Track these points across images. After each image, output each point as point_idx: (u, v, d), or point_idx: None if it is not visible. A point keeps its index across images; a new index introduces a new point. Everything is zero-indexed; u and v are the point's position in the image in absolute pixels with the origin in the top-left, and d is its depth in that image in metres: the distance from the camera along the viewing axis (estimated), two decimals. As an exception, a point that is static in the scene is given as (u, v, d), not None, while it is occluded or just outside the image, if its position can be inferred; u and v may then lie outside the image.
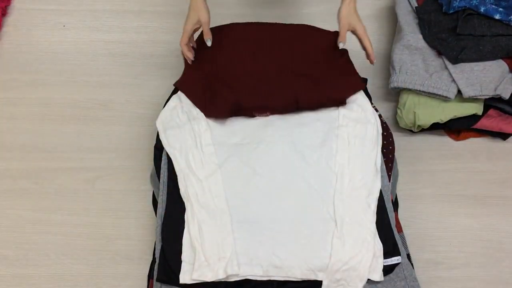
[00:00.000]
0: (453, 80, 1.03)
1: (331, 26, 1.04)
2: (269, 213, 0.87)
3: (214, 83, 0.99)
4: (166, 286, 0.86)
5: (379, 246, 0.86)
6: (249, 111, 0.96)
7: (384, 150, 0.99)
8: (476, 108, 1.05)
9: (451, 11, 1.07)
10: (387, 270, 0.86)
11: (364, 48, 0.99)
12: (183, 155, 0.92)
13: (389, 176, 0.97)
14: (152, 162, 1.00)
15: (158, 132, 0.98)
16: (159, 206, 0.92)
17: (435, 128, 1.09)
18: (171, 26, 1.28)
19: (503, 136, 1.11)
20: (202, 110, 0.95)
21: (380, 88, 1.19)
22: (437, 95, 1.04)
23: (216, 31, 1.01)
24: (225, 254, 0.83)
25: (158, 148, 0.98)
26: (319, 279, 0.83)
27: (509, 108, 1.06)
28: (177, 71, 1.02)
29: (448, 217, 1.05)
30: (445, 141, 1.13)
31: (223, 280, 0.83)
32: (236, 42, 1.02)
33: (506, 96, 1.02)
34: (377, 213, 0.89)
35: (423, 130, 1.11)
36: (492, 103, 1.06)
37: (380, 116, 1.01)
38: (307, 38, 1.02)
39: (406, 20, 1.12)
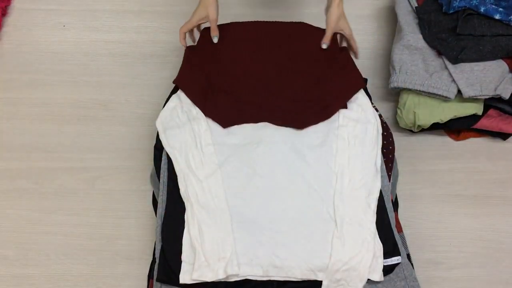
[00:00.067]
0: (453, 80, 1.03)
1: (331, 26, 1.04)
2: (269, 213, 0.87)
3: (214, 83, 0.99)
4: (166, 286, 0.86)
5: (379, 246, 0.86)
6: (248, 116, 0.96)
7: (384, 150, 0.99)
8: (476, 108, 1.05)
9: (451, 11, 1.07)
10: (387, 270, 0.86)
11: (349, 47, 1.02)
12: (183, 155, 0.92)
13: (389, 176, 0.97)
14: (152, 162, 1.00)
15: (158, 132, 0.98)
16: (159, 206, 0.92)
17: (435, 128, 1.09)
18: (171, 26, 1.28)
19: (503, 136, 1.11)
20: (201, 109, 0.96)
21: (380, 88, 1.19)
22: (437, 95, 1.04)
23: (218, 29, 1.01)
24: (225, 254, 0.83)
25: (158, 148, 0.98)
26: (319, 279, 0.83)
27: (509, 108, 1.06)
28: (177, 71, 1.02)
29: (448, 217, 1.05)
30: (445, 141, 1.13)
31: (223, 280, 0.83)
32: (236, 41, 1.02)
33: (506, 96, 1.02)
34: (377, 213, 0.89)
35: (423, 130, 1.11)
36: (492, 103, 1.06)
37: (380, 116, 1.01)
38: (306, 36, 1.02)
39: (406, 20, 1.12)
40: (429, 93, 1.04)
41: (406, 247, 0.94)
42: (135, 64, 1.23)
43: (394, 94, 1.17)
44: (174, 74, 1.02)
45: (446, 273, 1.00)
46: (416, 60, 1.07)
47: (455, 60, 1.04)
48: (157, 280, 0.86)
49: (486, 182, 1.08)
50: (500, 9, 1.04)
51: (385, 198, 0.92)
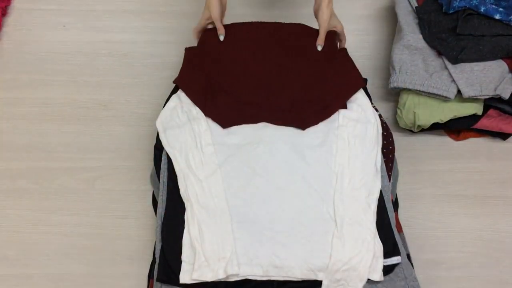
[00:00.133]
0: (453, 80, 1.03)
1: (331, 26, 1.04)
2: (269, 213, 0.87)
3: (214, 83, 0.99)
4: (166, 286, 0.86)
5: (379, 246, 0.86)
6: (248, 116, 0.96)
7: (384, 150, 0.99)
8: (476, 108, 1.05)
9: (451, 11, 1.07)
10: (387, 270, 0.86)
11: (339, 41, 1.05)
12: (183, 155, 0.92)
13: (389, 176, 0.97)
14: (152, 162, 1.00)
15: (158, 132, 0.98)
16: (159, 206, 0.92)
17: (435, 128, 1.09)
18: (171, 26, 1.28)
19: (503, 136, 1.11)
20: (201, 109, 0.96)
21: (380, 88, 1.19)
22: (437, 95, 1.04)
23: (217, 31, 1.01)
24: (225, 254, 0.83)
25: (158, 148, 0.98)
26: (319, 279, 0.83)
27: (509, 108, 1.06)
28: (177, 71, 1.02)
29: (448, 217, 1.05)
30: (445, 141, 1.13)
31: (223, 280, 0.83)
32: (236, 41, 1.02)
33: (506, 96, 1.02)
34: (377, 213, 0.89)
35: (423, 130, 1.11)
36: (492, 103, 1.06)
37: (380, 116, 1.01)
38: (306, 37, 1.02)
39: (406, 20, 1.12)
40: (429, 93, 1.04)
41: (406, 247, 0.94)
42: (135, 64, 1.23)
43: (394, 94, 1.17)
44: (174, 74, 1.02)
45: (446, 273, 1.00)
46: (416, 60, 1.07)
47: (455, 60, 1.04)
48: (157, 280, 0.86)
49: (486, 182, 1.08)
50: (500, 9, 1.04)
51: (385, 198, 0.92)
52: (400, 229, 0.96)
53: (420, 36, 1.08)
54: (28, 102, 1.17)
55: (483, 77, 1.03)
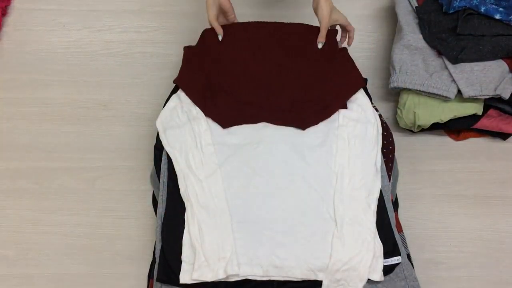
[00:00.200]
0: (453, 80, 1.03)
1: (331, 26, 1.04)
2: (269, 213, 0.87)
3: (214, 83, 0.99)
4: (166, 286, 0.86)
5: (379, 246, 0.86)
6: (248, 116, 0.96)
7: (384, 150, 0.99)
8: (476, 108, 1.05)
9: (451, 11, 1.07)
10: (387, 270, 0.86)
11: (347, 34, 1.03)
12: (183, 155, 0.92)
13: (389, 176, 0.97)
14: (152, 162, 1.00)
15: (158, 132, 0.98)
16: (159, 206, 0.92)
17: (435, 128, 1.09)
18: (171, 26, 1.28)
19: (503, 136, 1.11)
20: (201, 109, 0.96)
21: (380, 88, 1.19)
22: (437, 95, 1.04)
23: (216, 32, 1.01)
24: (225, 254, 0.83)
25: (158, 148, 0.98)
26: (319, 279, 0.83)
27: (509, 108, 1.06)
28: (177, 71, 1.02)
29: (448, 217, 1.05)
30: (445, 141, 1.13)
31: (223, 280, 0.83)
32: (236, 41, 1.02)
33: (506, 96, 1.02)
34: (377, 213, 0.89)
35: (423, 130, 1.11)
36: (492, 103, 1.06)
37: (380, 116, 1.01)
38: (306, 36, 1.02)
39: (406, 20, 1.12)
40: (429, 93, 1.04)
41: (406, 247, 0.94)
42: (135, 64, 1.23)
43: (394, 94, 1.17)
44: (174, 74, 1.02)
45: (446, 273, 1.00)
46: (416, 60, 1.07)
47: (455, 60, 1.04)
48: (157, 280, 0.86)
49: (486, 182, 1.08)
50: (500, 9, 1.04)
51: (385, 198, 0.92)
52: (400, 229, 0.96)
53: (420, 36, 1.08)
54: (28, 102, 1.17)
55: (483, 77, 1.03)
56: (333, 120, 0.95)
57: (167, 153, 0.95)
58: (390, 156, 1.00)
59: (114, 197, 1.06)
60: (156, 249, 0.89)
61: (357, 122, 0.95)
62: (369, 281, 0.84)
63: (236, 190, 0.89)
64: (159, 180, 0.95)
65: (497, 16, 1.04)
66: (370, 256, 0.84)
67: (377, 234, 0.87)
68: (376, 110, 1.00)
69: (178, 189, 0.90)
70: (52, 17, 1.29)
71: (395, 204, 1.00)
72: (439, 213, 1.05)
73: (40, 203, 1.06)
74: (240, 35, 1.02)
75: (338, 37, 1.05)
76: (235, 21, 1.04)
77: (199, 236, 0.85)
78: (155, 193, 1.00)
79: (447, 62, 1.04)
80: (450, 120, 1.06)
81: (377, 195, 0.90)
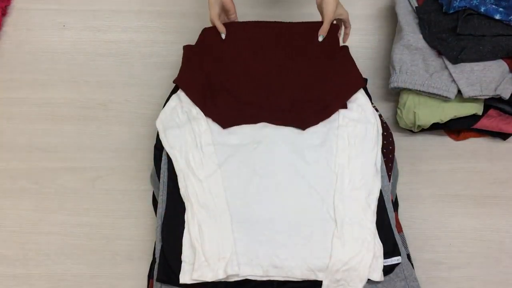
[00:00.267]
0: (453, 80, 1.03)
1: (331, 26, 1.04)
2: (269, 213, 0.87)
3: (214, 82, 0.99)
4: (166, 286, 0.86)
5: (379, 246, 0.86)
6: (248, 116, 0.96)
7: (384, 150, 0.99)
8: (476, 108, 1.05)
9: (451, 11, 1.07)
10: (387, 270, 0.86)
11: (343, 28, 1.04)
12: (183, 155, 0.92)
13: (389, 176, 0.97)
14: (152, 162, 1.00)
15: (158, 132, 0.98)
16: (159, 206, 0.92)
17: (435, 128, 1.09)
18: (171, 26, 1.28)
19: (503, 136, 1.11)
20: (201, 109, 0.96)
21: (380, 88, 1.19)
22: (437, 95, 1.04)
23: (217, 31, 1.01)
24: (225, 254, 0.83)
25: (158, 148, 0.98)
26: (319, 279, 0.83)
27: (509, 108, 1.06)
28: (177, 71, 1.02)
29: (448, 217, 1.05)
30: (445, 141, 1.13)
31: (223, 280, 0.83)
32: (236, 40, 1.02)
33: (506, 96, 1.02)
34: (377, 213, 0.89)
35: (423, 130, 1.11)
36: (492, 103, 1.06)
37: (380, 116, 1.01)
38: (307, 35, 1.02)
39: (406, 20, 1.12)
40: (429, 93, 1.04)
41: (406, 247, 0.94)
42: (135, 64, 1.23)
43: (394, 94, 1.17)
44: (174, 74, 1.02)
45: (446, 273, 1.00)
46: (416, 60, 1.07)
47: (455, 60, 1.04)
48: (157, 280, 0.86)
49: (486, 182, 1.08)
50: (500, 9, 1.04)
51: (385, 198, 0.92)
52: (400, 229, 0.96)
53: (420, 36, 1.08)
54: (28, 102, 1.17)
55: (483, 77, 1.03)
56: (333, 120, 0.95)
57: (167, 153, 0.95)
58: (390, 156, 1.00)
59: (114, 197, 1.06)
60: (156, 249, 0.89)
61: (357, 122, 0.95)
62: (369, 281, 0.84)
63: (236, 190, 0.89)
64: (159, 180, 0.95)
65: (497, 16, 1.04)
66: (370, 256, 0.84)
67: (377, 234, 0.87)
68: (376, 110, 1.00)
69: (178, 189, 0.90)
70: (52, 17, 1.29)
71: (395, 204, 1.00)
72: (439, 213, 1.05)
73: (40, 203, 1.06)
74: (241, 34, 1.02)
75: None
76: (236, 20, 1.04)
77: (199, 236, 0.85)
78: (155, 193, 1.00)
79: (447, 62, 1.04)
80: (450, 120, 1.06)
81: (377, 195, 0.90)
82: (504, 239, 1.03)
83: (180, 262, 0.85)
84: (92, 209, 1.05)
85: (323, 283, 0.83)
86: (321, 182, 0.89)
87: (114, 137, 1.13)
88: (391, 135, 1.02)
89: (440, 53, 1.06)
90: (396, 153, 1.02)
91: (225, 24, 1.02)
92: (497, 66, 1.04)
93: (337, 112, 0.96)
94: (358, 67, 1.01)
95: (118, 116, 1.16)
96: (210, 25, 1.02)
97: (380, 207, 0.90)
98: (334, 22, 1.03)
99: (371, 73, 1.19)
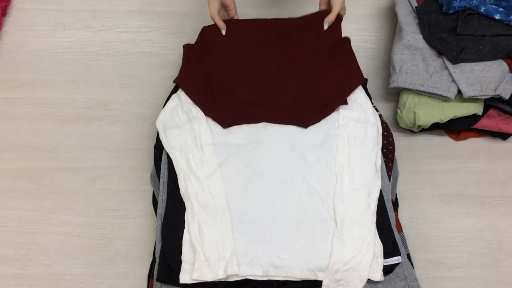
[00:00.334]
0: (453, 80, 1.03)
1: (331, 26, 1.04)
2: (269, 213, 0.87)
3: (214, 81, 0.99)
4: (166, 286, 0.86)
5: (379, 246, 0.86)
6: (249, 116, 0.95)
7: (384, 150, 0.99)
8: (476, 108, 1.05)
9: (451, 11, 1.07)
10: (387, 270, 0.86)
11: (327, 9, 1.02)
12: (183, 155, 0.92)
13: (389, 176, 0.97)
14: (152, 162, 1.00)
15: (158, 132, 0.98)
16: (159, 206, 0.92)
17: (435, 128, 1.09)
18: (171, 26, 1.28)
19: (503, 136, 1.11)
20: (201, 108, 0.95)
21: (380, 88, 1.19)
22: (437, 95, 1.04)
23: (216, 28, 1.01)
24: (225, 254, 0.83)
25: (158, 148, 0.98)
26: (319, 279, 0.83)
27: (509, 108, 1.06)
28: (177, 71, 1.02)
29: (448, 217, 1.05)
30: (445, 141, 1.13)
31: (223, 280, 0.83)
32: (236, 38, 1.02)
33: (506, 96, 1.02)
34: (377, 213, 0.89)
35: (423, 130, 1.11)
36: (492, 103, 1.06)
37: (380, 116, 1.01)
38: (307, 28, 1.01)
39: (406, 20, 1.12)
40: (429, 93, 1.04)
41: (406, 247, 0.94)
42: (135, 64, 1.23)
43: (394, 94, 1.17)
44: (174, 74, 1.02)
45: (446, 273, 1.00)
46: (416, 60, 1.07)
47: (455, 60, 1.04)
48: (157, 280, 0.86)
49: (486, 182, 1.08)
50: (500, 9, 1.04)
51: (385, 198, 0.92)
52: (400, 229, 0.96)
53: (420, 36, 1.08)
54: (28, 102, 1.17)
55: (483, 77, 1.03)
56: (333, 120, 0.95)
57: (167, 153, 0.95)
58: (390, 156, 1.00)
59: (114, 197, 1.06)
60: (156, 249, 0.89)
61: (357, 122, 0.95)
62: (369, 281, 0.84)
63: (236, 190, 0.89)
64: (159, 180, 0.95)
65: (497, 16, 1.04)
66: (370, 256, 0.84)
67: (377, 234, 0.87)
68: (376, 110, 1.00)
69: (178, 189, 0.90)
70: (52, 17, 1.29)
71: (395, 204, 1.00)
72: (439, 213, 1.05)
73: (40, 203, 1.06)
74: (241, 31, 1.02)
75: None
76: (236, 17, 1.04)
77: (199, 236, 0.85)
78: (155, 193, 1.00)
79: (447, 62, 1.04)
80: (450, 120, 1.06)
81: (377, 195, 0.90)
82: (504, 239, 1.03)
83: (180, 262, 0.85)
84: (92, 209, 1.05)
85: (323, 283, 0.83)
86: (321, 182, 0.89)
87: (114, 137, 1.13)
88: (391, 135, 1.02)
89: (440, 53, 1.06)
90: (396, 153, 1.02)
91: (225, 21, 1.02)
92: (497, 66, 1.04)
93: (337, 112, 0.96)
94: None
95: (118, 116, 1.16)
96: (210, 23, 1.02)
97: (380, 207, 0.90)
98: None
99: (371, 73, 1.19)
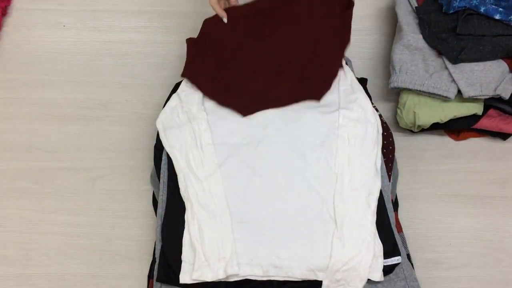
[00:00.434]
0: (453, 80, 1.03)
1: (331, 26, 1.04)
2: (269, 213, 0.87)
3: (224, 71, 0.98)
4: (166, 286, 0.86)
5: (379, 246, 0.86)
6: (265, 100, 0.96)
7: (384, 150, 0.99)
8: (476, 108, 1.05)
9: (451, 11, 1.06)
10: (387, 270, 0.86)
11: None
12: (183, 155, 0.92)
13: (389, 176, 0.97)
14: (152, 162, 1.00)
15: (158, 132, 0.98)
16: (159, 206, 0.92)
17: (435, 128, 1.09)
18: (171, 26, 1.27)
19: (503, 136, 1.11)
20: (216, 100, 0.95)
21: (380, 88, 1.19)
22: (437, 95, 1.04)
23: (218, 18, 1.00)
24: (225, 254, 0.83)
25: (158, 148, 0.98)
26: (319, 279, 0.83)
27: (509, 108, 1.06)
28: (177, 71, 1.02)
29: (448, 217, 1.05)
30: (445, 141, 1.13)
31: (223, 280, 0.83)
32: (238, 25, 1.00)
33: (506, 96, 1.02)
34: (377, 213, 0.89)
35: (423, 130, 1.11)
36: (492, 103, 1.06)
37: (380, 116, 1.01)
38: (308, 7, 1.01)
39: (406, 20, 1.12)
40: (429, 93, 1.04)
41: (406, 247, 0.94)
42: (135, 64, 1.23)
43: (394, 94, 1.17)
44: (174, 74, 1.02)
45: (446, 273, 1.00)
46: (416, 60, 1.07)
47: (455, 60, 1.04)
48: (157, 280, 0.86)
49: (486, 182, 1.08)
50: (500, 9, 1.04)
51: (385, 198, 0.92)
52: (400, 229, 0.96)
53: (420, 36, 1.08)
54: (28, 102, 1.17)
55: (483, 77, 1.03)
56: (333, 120, 0.95)
57: (167, 153, 0.95)
58: (390, 156, 1.00)
59: (114, 197, 1.06)
60: (156, 249, 0.89)
61: (357, 122, 0.95)
62: (369, 281, 0.84)
63: (236, 190, 0.89)
64: (159, 180, 0.95)
65: (497, 16, 1.04)
66: (370, 256, 0.84)
67: (377, 234, 0.87)
68: (376, 110, 1.00)
69: (178, 189, 0.90)
70: (52, 17, 1.29)
71: (395, 204, 1.00)
72: (439, 213, 1.05)
73: (40, 203, 1.06)
74: (242, 17, 1.00)
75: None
76: (237, 4, 1.03)
77: (199, 236, 0.85)
78: (155, 193, 1.00)
79: (447, 62, 1.04)
80: (450, 120, 1.06)
81: (377, 195, 0.90)
82: (503, 239, 1.03)
83: (180, 262, 0.85)
84: (92, 209, 1.05)
85: (323, 283, 0.83)
86: (321, 182, 0.89)
87: (114, 137, 1.13)
88: (391, 135, 1.02)
89: (440, 53, 1.06)
90: (396, 153, 1.02)
91: (225, 9, 1.01)
92: (497, 66, 1.04)
93: (337, 112, 0.96)
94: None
95: (118, 116, 1.16)
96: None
97: (380, 207, 0.90)
98: None
99: (371, 73, 1.19)
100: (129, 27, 1.28)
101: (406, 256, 0.90)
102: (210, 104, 0.97)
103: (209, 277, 0.82)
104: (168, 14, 1.29)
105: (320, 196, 0.88)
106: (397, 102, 1.13)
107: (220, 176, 0.90)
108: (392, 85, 1.07)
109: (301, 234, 0.85)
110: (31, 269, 1.00)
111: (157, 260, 0.87)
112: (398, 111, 1.09)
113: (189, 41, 1.03)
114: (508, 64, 1.05)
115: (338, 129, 0.94)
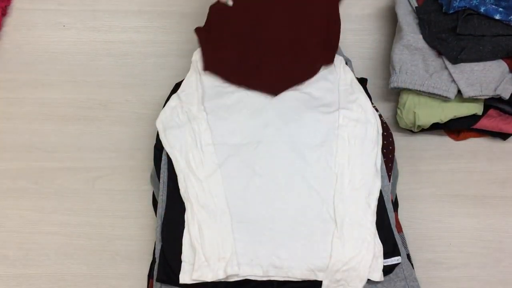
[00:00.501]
0: (453, 80, 1.03)
1: (331, 26, 1.04)
2: (269, 213, 0.87)
3: (242, 55, 0.99)
4: (166, 286, 0.86)
5: (379, 246, 0.86)
6: (290, 74, 0.97)
7: (384, 150, 0.99)
8: (476, 108, 1.05)
9: (451, 11, 1.06)
10: (387, 270, 0.86)
11: None
12: (183, 155, 0.92)
13: (389, 176, 0.98)
14: (152, 162, 1.00)
15: (158, 132, 0.98)
16: (159, 206, 0.92)
17: (435, 128, 1.09)
18: (171, 26, 1.27)
19: (503, 136, 1.11)
20: (245, 85, 0.96)
21: (380, 88, 1.19)
22: (437, 95, 1.04)
23: (222, 2, 1.01)
24: (225, 254, 0.83)
25: (158, 148, 0.98)
26: (319, 279, 0.83)
27: (509, 108, 1.06)
28: (177, 71, 1.02)
29: (448, 217, 1.05)
30: (445, 141, 1.13)
31: (223, 280, 0.83)
32: (245, 4, 1.01)
33: (506, 96, 1.02)
34: (377, 213, 0.89)
35: (423, 130, 1.11)
36: (492, 103, 1.06)
37: (380, 116, 1.01)
38: None
39: (406, 20, 1.12)
40: (429, 93, 1.04)
41: (406, 247, 0.94)
42: (135, 64, 1.23)
43: (394, 94, 1.17)
44: (174, 74, 1.02)
45: (446, 273, 1.00)
46: (416, 60, 1.07)
47: (455, 60, 1.04)
48: (157, 280, 0.86)
49: (486, 182, 1.08)
50: (500, 9, 1.04)
51: (385, 198, 0.92)
52: (400, 229, 0.96)
53: (420, 36, 1.08)
54: (28, 102, 1.17)
55: (483, 77, 1.03)
56: (333, 120, 0.95)
57: (167, 153, 0.95)
58: (390, 156, 1.00)
59: (114, 197, 1.06)
60: (156, 249, 0.89)
61: (357, 122, 0.95)
62: (369, 281, 0.84)
63: (236, 190, 0.89)
64: (159, 180, 0.95)
65: (497, 16, 1.04)
66: (370, 256, 0.84)
67: (377, 234, 0.87)
68: (376, 110, 1.00)
69: (178, 189, 0.90)
70: (52, 17, 1.29)
71: (395, 204, 1.00)
72: (439, 213, 1.05)
73: (40, 203, 1.06)
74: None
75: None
76: None
77: (199, 236, 0.85)
78: (155, 193, 1.00)
79: (447, 62, 1.04)
80: (450, 120, 1.06)
81: (377, 195, 0.90)
82: (503, 239, 1.03)
83: (180, 262, 0.85)
84: (92, 209, 1.05)
85: (323, 283, 0.83)
86: (321, 182, 0.89)
87: (114, 137, 1.13)
88: (391, 135, 1.02)
89: (440, 53, 1.06)
90: (396, 153, 1.02)
91: None
92: (497, 66, 1.04)
93: (337, 112, 0.96)
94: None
95: (118, 116, 1.16)
96: None
97: (380, 207, 0.90)
98: None
99: (371, 73, 1.19)
100: (129, 27, 1.28)
101: (406, 256, 0.90)
102: (210, 104, 0.97)
103: (209, 277, 0.82)
104: (168, 14, 1.29)
105: (320, 196, 0.88)
106: (397, 102, 1.13)
107: (220, 176, 0.90)
108: (392, 85, 1.07)
109: (301, 234, 0.85)
110: (31, 269, 1.00)
111: (157, 260, 0.87)
112: (398, 111, 1.09)
113: (198, 30, 1.02)
114: (508, 64, 1.05)
115: (338, 129, 0.94)
